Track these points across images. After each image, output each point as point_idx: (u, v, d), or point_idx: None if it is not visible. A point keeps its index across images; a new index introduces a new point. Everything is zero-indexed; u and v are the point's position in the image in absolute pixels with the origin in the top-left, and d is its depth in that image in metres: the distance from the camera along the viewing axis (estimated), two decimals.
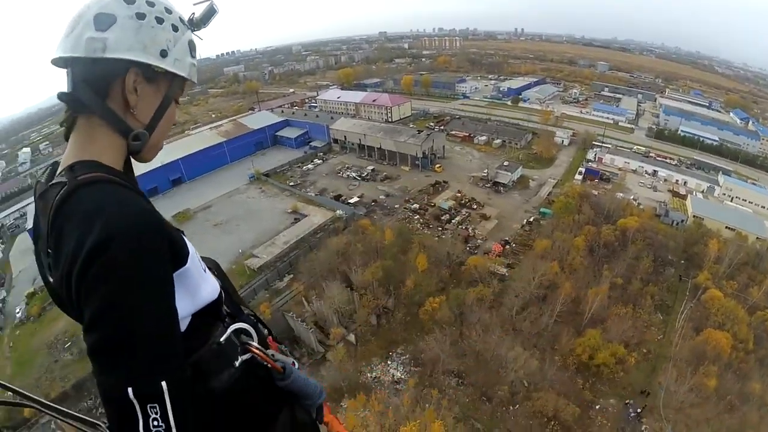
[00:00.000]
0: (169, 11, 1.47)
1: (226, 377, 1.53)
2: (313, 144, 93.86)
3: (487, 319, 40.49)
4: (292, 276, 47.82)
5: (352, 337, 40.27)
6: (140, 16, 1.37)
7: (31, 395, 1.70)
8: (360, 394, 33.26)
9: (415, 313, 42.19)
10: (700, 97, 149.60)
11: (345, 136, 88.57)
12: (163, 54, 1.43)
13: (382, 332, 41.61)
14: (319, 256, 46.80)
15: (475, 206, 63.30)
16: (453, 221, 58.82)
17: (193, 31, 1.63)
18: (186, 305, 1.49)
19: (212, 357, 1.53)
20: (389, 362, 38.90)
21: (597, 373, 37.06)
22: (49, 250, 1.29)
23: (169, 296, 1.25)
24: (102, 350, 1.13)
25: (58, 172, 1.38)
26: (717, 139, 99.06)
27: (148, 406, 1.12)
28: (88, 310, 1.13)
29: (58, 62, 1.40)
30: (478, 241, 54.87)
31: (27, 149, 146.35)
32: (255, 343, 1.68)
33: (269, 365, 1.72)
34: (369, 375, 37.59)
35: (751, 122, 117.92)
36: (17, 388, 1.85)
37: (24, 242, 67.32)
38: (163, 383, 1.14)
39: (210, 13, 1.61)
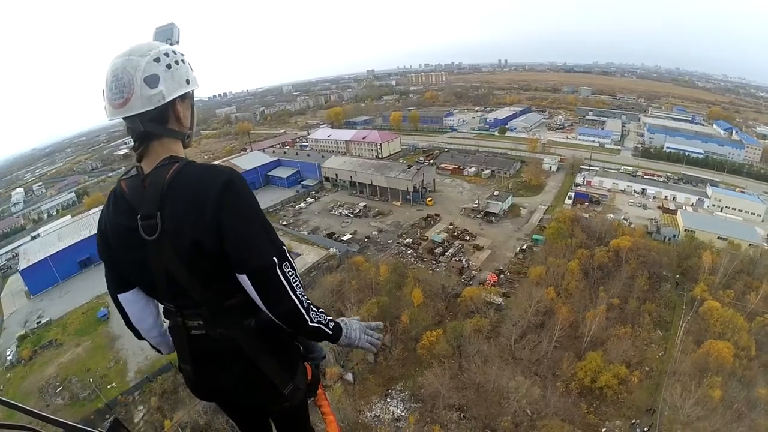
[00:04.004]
0: (175, 53, 1.99)
1: None
2: (304, 183, 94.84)
3: (486, 349, 40.07)
4: None
5: (349, 376, 39.68)
6: (169, 67, 1.92)
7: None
8: None
9: (413, 348, 41.73)
10: (683, 112, 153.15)
11: (336, 174, 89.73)
12: (188, 81, 2.03)
13: (380, 369, 40.95)
14: (313, 294, 46.43)
15: (467, 237, 63.57)
16: (446, 254, 58.76)
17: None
18: None
19: None
20: (389, 400, 38.17)
21: (600, 395, 36.53)
22: (159, 212, 1.81)
23: None
24: (257, 237, 1.87)
25: (155, 165, 1.92)
26: (702, 152, 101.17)
27: (283, 264, 1.91)
28: (232, 217, 1.80)
29: (128, 119, 1.90)
30: (473, 272, 54.83)
31: (20, 189, 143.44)
32: None
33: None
34: (368, 414, 36.78)
35: (734, 132, 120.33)
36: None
37: (16, 283, 65.20)
38: (284, 247, 1.97)
39: (177, 33, 2.12)
